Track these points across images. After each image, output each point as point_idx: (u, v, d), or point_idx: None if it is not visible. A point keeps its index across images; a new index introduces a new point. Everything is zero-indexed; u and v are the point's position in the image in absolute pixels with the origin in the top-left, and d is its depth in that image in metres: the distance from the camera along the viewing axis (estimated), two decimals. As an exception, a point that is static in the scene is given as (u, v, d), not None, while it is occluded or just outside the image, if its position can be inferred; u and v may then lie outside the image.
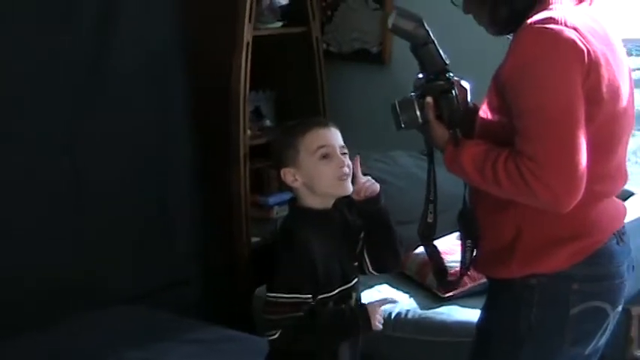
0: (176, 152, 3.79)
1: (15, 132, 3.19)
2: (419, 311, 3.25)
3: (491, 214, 2.14)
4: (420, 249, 3.49)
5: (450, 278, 2.42)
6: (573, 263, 2.06)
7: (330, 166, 2.23)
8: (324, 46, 4.38)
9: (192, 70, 3.82)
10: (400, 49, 4.04)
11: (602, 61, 1.98)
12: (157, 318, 3.20)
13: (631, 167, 3.77)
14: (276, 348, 2.28)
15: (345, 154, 2.27)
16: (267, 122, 4.30)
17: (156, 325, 3.12)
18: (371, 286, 3.43)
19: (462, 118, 2.14)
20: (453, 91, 2.15)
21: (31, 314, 3.09)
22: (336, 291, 2.30)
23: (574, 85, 1.94)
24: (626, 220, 3.03)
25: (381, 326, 2.33)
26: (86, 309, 3.17)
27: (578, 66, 1.94)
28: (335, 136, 2.28)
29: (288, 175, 2.26)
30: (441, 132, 2.14)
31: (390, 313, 3.24)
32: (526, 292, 2.09)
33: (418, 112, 2.15)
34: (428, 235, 2.34)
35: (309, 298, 2.22)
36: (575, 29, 1.95)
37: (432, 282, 3.32)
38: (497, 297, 2.22)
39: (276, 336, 2.22)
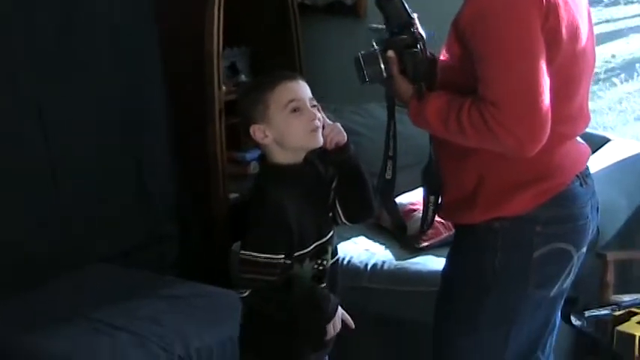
0: (151, 111, 3.77)
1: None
2: (394, 262, 3.25)
3: (453, 162, 2.14)
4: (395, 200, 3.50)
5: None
6: (536, 206, 2.06)
7: (301, 120, 2.22)
8: (298, -1, 4.35)
9: (164, 26, 3.79)
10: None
11: (561, 2, 1.97)
12: (132, 276, 3.21)
13: (614, 116, 3.86)
14: (249, 306, 2.28)
15: (314, 106, 2.26)
16: (243, 77, 4.27)
17: (131, 283, 3.13)
18: (347, 238, 3.44)
19: (426, 73, 2.12)
20: (418, 46, 2.13)
21: (7, 279, 3.08)
22: (312, 247, 2.30)
23: (533, 28, 1.93)
24: (602, 166, 3.06)
25: (333, 333, 2.34)
26: (63, 271, 3.16)
27: (536, 9, 1.93)
28: (304, 89, 2.28)
29: (257, 131, 2.24)
30: (404, 86, 2.13)
31: (365, 265, 3.25)
32: (490, 236, 2.10)
33: (382, 66, 2.14)
34: (387, 192, 2.33)
35: (281, 258, 2.20)
36: None
37: (408, 232, 3.31)
38: (461, 243, 2.23)
39: (245, 294, 2.22)
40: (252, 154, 4.18)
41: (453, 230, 3.04)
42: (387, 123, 2.24)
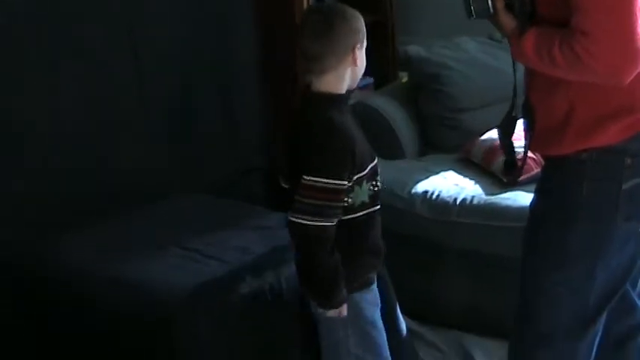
0: (239, 39, 3.78)
1: (77, 34, 3.21)
2: (484, 197, 3.22)
3: (544, 93, 2.11)
4: (486, 136, 3.47)
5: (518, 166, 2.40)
6: (626, 137, 2.03)
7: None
8: None
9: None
10: None
11: None
12: (222, 206, 3.23)
13: None
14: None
15: None
16: None
17: (221, 213, 3.15)
18: (436, 173, 3.43)
19: (528, 7, 2.09)
20: None
21: (94, 206, 3.15)
22: (368, 169, 2.37)
23: None
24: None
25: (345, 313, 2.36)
26: (151, 201, 3.21)
27: None
28: None
29: (359, 54, 2.31)
30: (508, 21, 2.09)
31: (455, 199, 3.24)
32: (578, 167, 2.07)
33: (489, 2, 2.11)
34: (508, 129, 2.31)
35: (346, 184, 2.26)
36: None
37: (498, 168, 3.29)
38: (549, 176, 2.20)
39: (299, 220, 2.24)
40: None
41: (544, 166, 3.05)
42: (512, 60, 2.21)
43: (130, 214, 3.12)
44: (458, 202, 3.23)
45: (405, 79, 4.01)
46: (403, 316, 2.69)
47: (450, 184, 3.34)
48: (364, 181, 2.34)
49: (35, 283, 2.88)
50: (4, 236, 2.94)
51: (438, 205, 3.26)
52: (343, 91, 2.34)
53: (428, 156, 3.70)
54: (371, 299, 2.46)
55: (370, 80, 4.33)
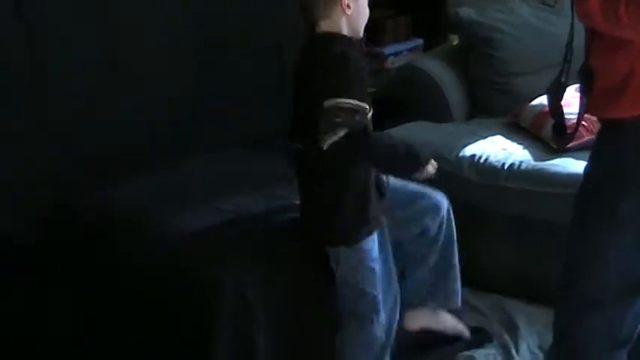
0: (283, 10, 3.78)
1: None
2: (532, 162, 3.21)
3: (605, 56, 2.07)
4: (536, 101, 3.45)
5: (568, 132, 2.38)
6: None
7: (366, 10, 2.54)
8: None
9: None
10: None
11: None
12: (269, 161, 3.23)
13: None
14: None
15: None
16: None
17: (268, 168, 3.15)
18: (484, 137, 3.43)
19: None
20: None
21: (142, 156, 3.18)
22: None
23: None
24: None
25: (433, 171, 2.59)
26: (199, 152, 3.25)
27: None
28: None
29: (351, 3, 2.47)
30: None
31: (503, 164, 3.22)
32: (635, 133, 2.04)
33: None
34: (557, 94, 2.29)
35: (367, 107, 2.45)
36: None
37: (547, 134, 3.26)
38: (605, 140, 2.17)
39: (332, 140, 2.38)
40: (390, 49, 4.19)
41: (594, 134, 3.01)
42: (571, 24, 2.18)
43: (173, 165, 3.16)
44: (506, 167, 3.22)
45: (455, 42, 3.98)
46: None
47: (498, 149, 3.33)
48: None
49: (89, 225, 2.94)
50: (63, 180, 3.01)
51: (486, 169, 3.26)
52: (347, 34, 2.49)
53: (476, 119, 3.68)
54: (374, 241, 2.61)
55: (419, 42, 4.33)
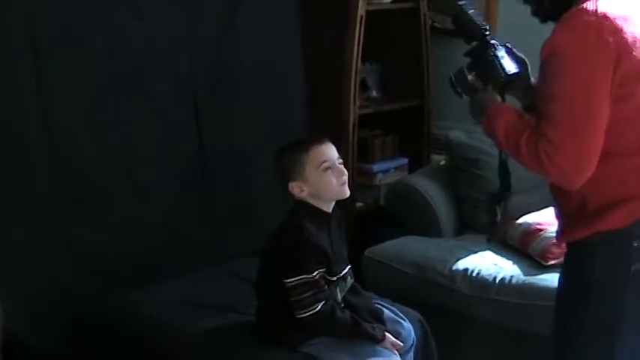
0: (292, 122, 4.01)
1: (150, 92, 3.45)
2: (522, 277, 3.39)
3: (560, 188, 2.29)
4: (522, 219, 3.65)
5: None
6: (632, 222, 2.21)
7: (333, 176, 2.72)
8: (429, 22, 4.51)
9: (308, 43, 4.04)
10: (505, 25, 4.16)
11: (634, 44, 2.13)
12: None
13: None
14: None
15: (341, 163, 2.75)
16: (374, 93, 4.48)
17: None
18: (475, 252, 3.61)
19: (506, 82, 2.34)
20: (490, 51, 2.33)
21: (164, 265, 3.37)
22: (341, 274, 2.79)
23: (597, 76, 2.11)
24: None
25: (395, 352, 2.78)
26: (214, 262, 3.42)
27: (603, 56, 2.09)
28: (332, 151, 2.76)
29: (295, 188, 2.72)
30: (487, 96, 2.33)
31: (494, 278, 3.41)
32: (590, 249, 2.25)
33: (470, 78, 2.36)
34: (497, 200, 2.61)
35: (317, 274, 2.66)
36: (605, 18, 2.10)
37: (534, 250, 3.49)
38: (567, 260, 2.41)
39: (306, 315, 2.64)
40: (378, 166, 4.40)
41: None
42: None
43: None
44: (497, 281, 3.40)
45: (443, 162, 4.21)
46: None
47: (489, 263, 3.52)
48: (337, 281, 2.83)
49: (113, 334, 3.06)
50: (75, 290, 3.14)
51: (478, 283, 3.44)
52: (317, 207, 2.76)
53: (465, 235, 3.89)
54: None
55: (405, 160, 4.54)
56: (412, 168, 4.47)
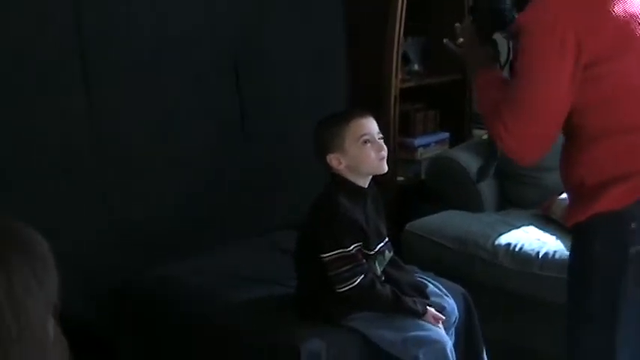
0: (333, 94, 3.99)
1: (191, 63, 3.45)
2: (565, 252, 3.34)
3: (564, 169, 2.34)
4: (565, 194, 3.62)
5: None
6: (629, 203, 2.18)
7: (372, 150, 2.69)
8: (472, -4, 4.47)
9: (350, 16, 4.03)
10: None
11: (602, 23, 2.10)
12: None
13: None
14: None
15: (381, 138, 2.72)
16: (415, 67, 4.46)
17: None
18: (517, 227, 3.60)
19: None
20: None
21: (205, 237, 3.38)
22: (377, 248, 2.77)
23: (550, 58, 2.10)
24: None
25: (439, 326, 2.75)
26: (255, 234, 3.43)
27: (557, 40, 2.08)
28: (373, 125, 2.73)
29: (334, 160, 2.70)
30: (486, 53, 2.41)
31: (537, 252, 3.40)
32: (590, 231, 2.25)
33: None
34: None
35: (354, 248, 2.64)
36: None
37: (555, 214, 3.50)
38: (573, 241, 2.41)
39: (345, 289, 2.63)
40: (420, 140, 4.38)
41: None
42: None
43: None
44: (540, 256, 3.39)
45: (485, 136, 4.18)
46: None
47: (532, 238, 3.50)
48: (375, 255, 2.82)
49: (155, 305, 3.08)
50: (116, 260, 3.16)
51: (520, 257, 3.42)
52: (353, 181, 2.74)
53: (507, 210, 3.87)
54: None
55: (446, 135, 4.52)
56: (453, 142, 4.45)
